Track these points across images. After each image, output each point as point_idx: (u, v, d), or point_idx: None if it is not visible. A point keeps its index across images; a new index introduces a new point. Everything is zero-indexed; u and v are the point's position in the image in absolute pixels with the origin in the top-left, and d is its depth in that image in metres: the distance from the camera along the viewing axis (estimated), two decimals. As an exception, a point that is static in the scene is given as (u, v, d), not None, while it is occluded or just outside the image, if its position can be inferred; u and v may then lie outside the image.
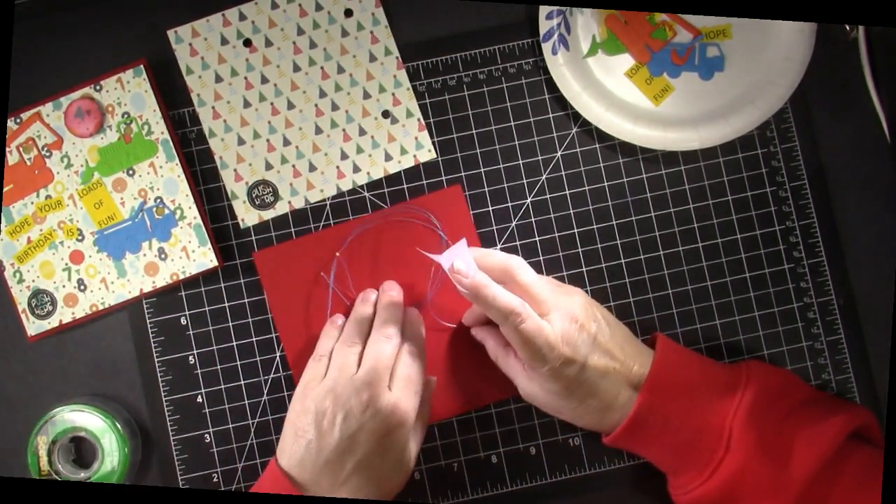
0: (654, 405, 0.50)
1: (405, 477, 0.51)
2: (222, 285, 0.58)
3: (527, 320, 0.48)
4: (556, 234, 0.58)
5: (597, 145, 0.59)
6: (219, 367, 0.57)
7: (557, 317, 0.49)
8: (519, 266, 0.50)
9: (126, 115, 0.57)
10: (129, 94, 0.56)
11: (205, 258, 0.57)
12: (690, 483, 0.50)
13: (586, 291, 0.58)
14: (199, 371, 0.57)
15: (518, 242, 0.58)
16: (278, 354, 0.57)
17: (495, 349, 0.54)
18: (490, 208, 0.58)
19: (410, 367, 0.51)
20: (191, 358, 0.57)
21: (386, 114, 0.58)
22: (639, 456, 0.53)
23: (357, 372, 0.50)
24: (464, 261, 0.49)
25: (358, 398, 0.48)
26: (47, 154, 0.57)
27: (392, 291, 0.55)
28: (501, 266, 0.50)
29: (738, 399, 0.50)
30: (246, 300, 0.58)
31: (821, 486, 0.48)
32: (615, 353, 0.50)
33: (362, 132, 0.58)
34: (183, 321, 0.57)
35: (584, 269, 0.58)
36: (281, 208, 0.58)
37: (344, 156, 0.58)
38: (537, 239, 0.58)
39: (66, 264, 0.57)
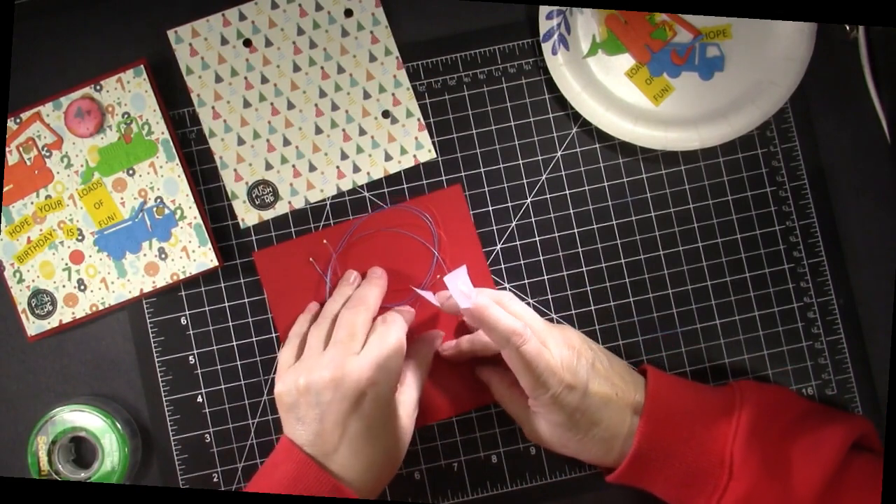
0: (653, 438, 0.49)
1: (401, 433, 0.50)
2: (222, 285, 0.58)
3: (529, 341, 0.48)
4: (556, 234, 0.58)
5: (597, 145, 0.59)
6: (219, 367, 0.57)
7: (554, 344, 0.49)
8: (511, 298, 0.52)
9: (126, 115, 0.57)
10: (129, 94, 0.56)
11: (205, 258, 0.57)
12: None
13: (587, 291, 0.58)
14: (199, 371, 0.57)
15: (518, 242, 0.58)
16: (278, 354, 0.57)
17: (500, 388, 0.55)
18: (490, 208, 0.58)
19: (386, 334, 0.50)
20: (191, 358, 0.57)
21: (386, 114, 0.58)
22: (645, 492, 0.53)
23: (326, 347, 0.50)
24: (465, 284, 0.49)
25: (323, 373, 0.48)
26: (47, 154, 0.57)
27: (375, 274, 0.56)
28: (493, 299, 0.50)
29: (734, 423, 0.50)
30: (246, 300, 0.58)
31: (829, 499, 0.48)
32: (615, 381, 0.50)
33: (362, 132, 0.58)
34: (183, 321, 0.58)
35: (584, 269, 0.58)
36: (281, 208, 0.58)
37: (344, 156, 0.58)
38: (537, 239, 0.58)
39: (66, 264, 0.57)
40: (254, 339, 0.57)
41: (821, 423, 0.51)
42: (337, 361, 0.48)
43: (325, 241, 0.57)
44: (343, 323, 0.51)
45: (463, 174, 0.58)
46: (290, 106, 0.58)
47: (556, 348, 0.49)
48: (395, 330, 0.51)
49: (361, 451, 0.48)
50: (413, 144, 0.58)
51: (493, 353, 0.53)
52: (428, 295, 0.53)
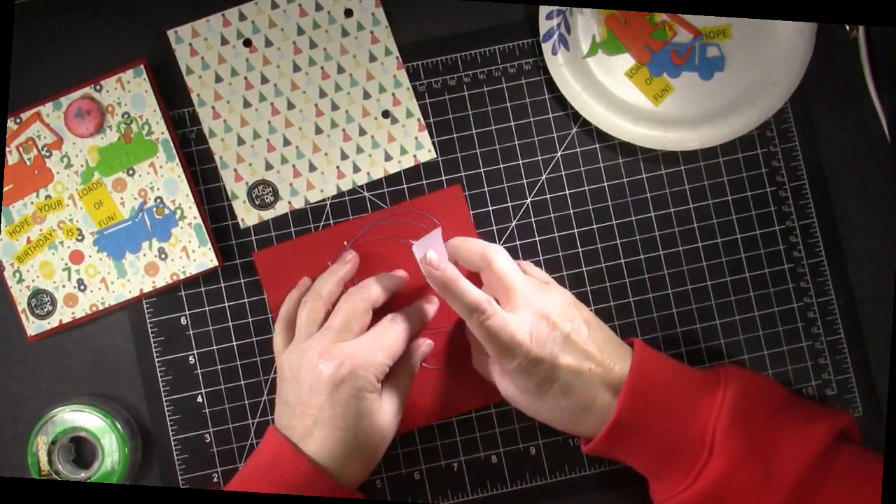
0: (634, 409, 0.49)
1: (379, 428, 0.50)
2: (222, 285, 0.58)
3: (492, 317, 0.47)
4: (556, 234, 0.58)
5: (597, 145, 0.59)
6: (219, 367, 0.57)
7: (527, 313, 0.49)
8: (497, 253, 0.51)
9: (126, 115, 0.57)
10: (129, 94, 0.57)
11: (205, 258, 0.57)
12: (674, 489, 0.49)
13: (586, 291, 0.58)
14: (199, 371, 0.57)
15: (518, 242, 0.58)
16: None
17: (475, 350, 0.55)
18: (490, 208, 0.58)
19: (384, 333, 0.50)
20: (191, 358, 0.57)
21: (386, 114, 0.58)
22: (620, 462, 0.53)
23: (323, 324, 0.51)
24: (437, 251, 0.49)
25: (309, 356, 0.49)
26: (47, 154, 0.57)
27: (394, 272, 0.56)
28: (479, 252, 0.50)
29: (719, 400, 0.49)
30: (246, 300, 0.58)
31: (809, 487, 0.47)
32: (592, 354, 0.49)
33: (362, 132, 0.58)
34: (183, 321, 0.58)
35: (584, 269, 0.58)
36: (281, 208, 0.58)
37: (344, 156, 0.58)
38: (537, 239, 0.58)
39: (66, 264, 0.57)
40: (254, 339, 0.57)
41: (807, 411, 0.51)
42: (324, 347, 0.49)
43: (348, 231, 0.57)
44: (340, 310, 0.51)
45: (463, 174, 0.58)
46: (290, 106, 0.58)
47: (527, 318, 0.48)
48: (395, 331, 0.51)
49: (333, 436, 0.48)
50: (413, 144, 0.58)
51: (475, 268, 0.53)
52: (413, 243, 0.52)
